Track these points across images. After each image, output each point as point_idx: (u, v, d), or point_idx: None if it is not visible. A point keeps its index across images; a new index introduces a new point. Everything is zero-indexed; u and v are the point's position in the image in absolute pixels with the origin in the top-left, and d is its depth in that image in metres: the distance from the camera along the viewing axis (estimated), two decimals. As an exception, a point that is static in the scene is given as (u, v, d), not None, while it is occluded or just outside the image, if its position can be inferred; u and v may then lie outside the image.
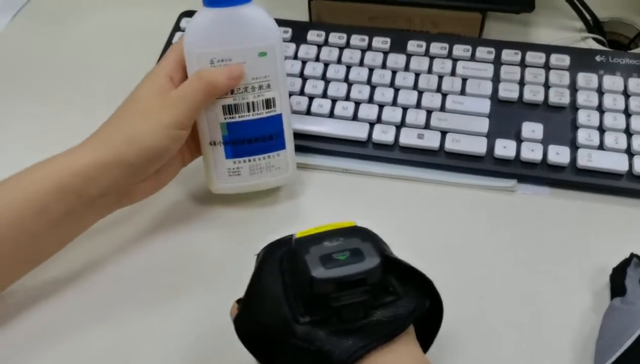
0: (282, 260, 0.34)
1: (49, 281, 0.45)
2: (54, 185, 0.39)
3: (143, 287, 0.45)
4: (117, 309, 0.44)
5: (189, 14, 0.62)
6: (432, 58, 0.56)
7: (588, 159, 0.49)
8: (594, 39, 0.63)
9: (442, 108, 0.53)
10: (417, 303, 0.33)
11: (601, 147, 0.50)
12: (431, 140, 0.51)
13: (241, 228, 0.49)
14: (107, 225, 0.46)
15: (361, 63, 0.56)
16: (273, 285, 0.33)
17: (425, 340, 0.36)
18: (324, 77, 0.56)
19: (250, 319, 0.33)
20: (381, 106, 0.53)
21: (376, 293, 0.32)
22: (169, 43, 0.61)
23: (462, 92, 0.54)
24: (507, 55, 0.56)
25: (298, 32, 0.58)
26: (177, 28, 0.62)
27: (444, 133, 0.51)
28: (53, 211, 0.39)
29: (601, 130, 0.51)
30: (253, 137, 0.46)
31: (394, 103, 0.54)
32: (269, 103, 0.45)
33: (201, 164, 0.48)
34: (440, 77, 0.55)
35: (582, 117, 0.51)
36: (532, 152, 0.49)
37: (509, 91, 0.53)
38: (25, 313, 0.44)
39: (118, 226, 0.48)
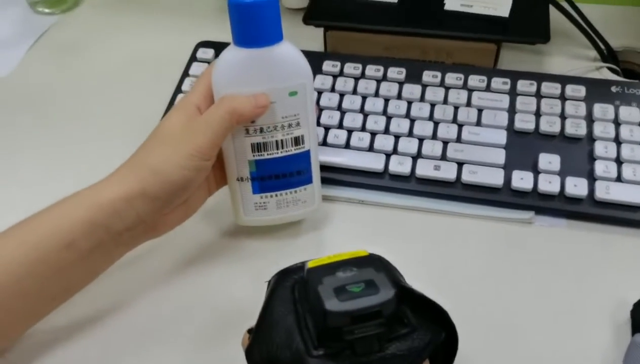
0: (293, 289, 0.33)
1: (68, 321, 0.45)
2: (82, 220, 0.39)
3: (169, 323, 0.45)
4: (140, 348, 0.44)
5: (206, 44, 0.63)
6: (447, 88, 0.56)
7: (606, 191, 0.48)
8: (609, 68, 0.63)
9: (459, 139, 0.53)
10: (432, 334, 0.32)
11: (619, 179, 0.49)
12: (448, 172, 0.51)
13: (265, 261, 0.48)
14: (132, 258, 0.45)
15: (376, 94, 0.57)
16: (285, 315, 0.33)
17: None
18: (339, 107, 0.56)
19: (261, 350, 0.33)
20: (397, 137, 0.53)
21: (391, 325, 0.31)
22: (185, 73, 0.61)
23: (478, 123, 0.54)
24: (523, 85, 0.56)
25: (313, 63, 0.57)
26: (193, 58, 0.62)
27: (460, 164, 0.51)
28: (81, 246, 0.39)
29: (619, 161, 0.50)
30: (281, 173, 0.46)
31: (410, 134, 0.54)
32: (297, 141, 0.45)
33: (225, 194, 0.48)
34: (456, 108, 0.55)
35: (599, 148, 0.51)
36: (549, 184, 0.49)
37: (525, 122, 0.53)
38: (43, 358, 0.43)
39: (143, 259, 0.48)
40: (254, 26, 0.41)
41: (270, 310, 0.33)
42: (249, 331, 0.35)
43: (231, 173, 0.46)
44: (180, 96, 0.59)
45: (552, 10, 0.61)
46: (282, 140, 0.44)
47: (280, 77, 0.43)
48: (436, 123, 0.54)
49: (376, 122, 0.54)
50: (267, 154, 0.45)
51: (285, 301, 0.33)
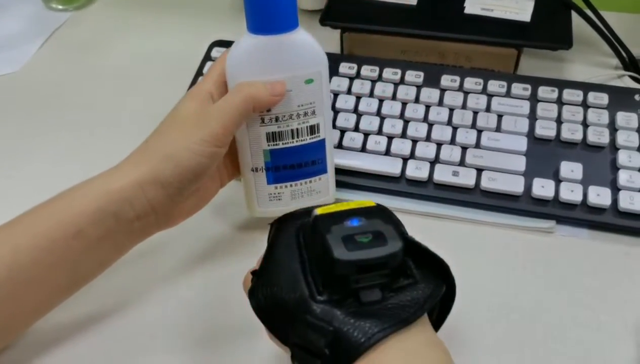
0: (298, 234, 0.34)
1: (71, 319, 0.44)
2: (91, 207, 0.38)
3: (177, 320, 0.44)
4: (146, 347, 0.43)
5: (220, 43, 0.62)
6: (466, 93, 0.55)
7: (630, 202, 0.47)
8: (630, 76, 0.62)
9: (478, 145, 0.52)
10: (434, 287, 0.32)
11: (643, 189, 0.48)
12: (466, 178, 0.50)
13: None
14: (140, 252, 0.44)
15: (394, 97, 0.56)
16: (290, 260, 0.33)
17: (435, 323, 0.35)
18: (355, 110, 0.55)
19: (265, 293, 0.33)
20: (414, 141, 0.52)
21: (395, 276, 0.31)
22: (199, 72, 0.60)
23: (498, 129, 0.53)
24: (544, 92, 0.55)
25: (330, 64, 0.56)
26: (208, 57, 0.61)
27: (479, 170, 0.50)
28: (89, 235, 0.38)
29: (643, 171, 0.49)
30: (296, 163, 0.45)
31: (428, 138, 0.52)
32: (313, 129, 0.44)
33: (236, 188, 0.47)
34: (475, 113, 0.54)
35: (623, 157, 0.50)
36: (571, 193, 0.48)
37: (546, 129, 0.52)
38: (44, 357, 0.42)
39: (152, 253, 0.47)
40: (269, 12, 0.40)
41: (275, 253, 0.34)
42: (253, 272, 0.35)
43: (245, 163, 0.45)
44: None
45: (574, 16, 0.60)
46: (297, 129, 0.44)
47: (297, 65, 0.42)
48: (455, 128, 0.53)
49: (393, 126, 0.53)
50: (282, 143, 0.44)
51: (290, 245, 0.33)
